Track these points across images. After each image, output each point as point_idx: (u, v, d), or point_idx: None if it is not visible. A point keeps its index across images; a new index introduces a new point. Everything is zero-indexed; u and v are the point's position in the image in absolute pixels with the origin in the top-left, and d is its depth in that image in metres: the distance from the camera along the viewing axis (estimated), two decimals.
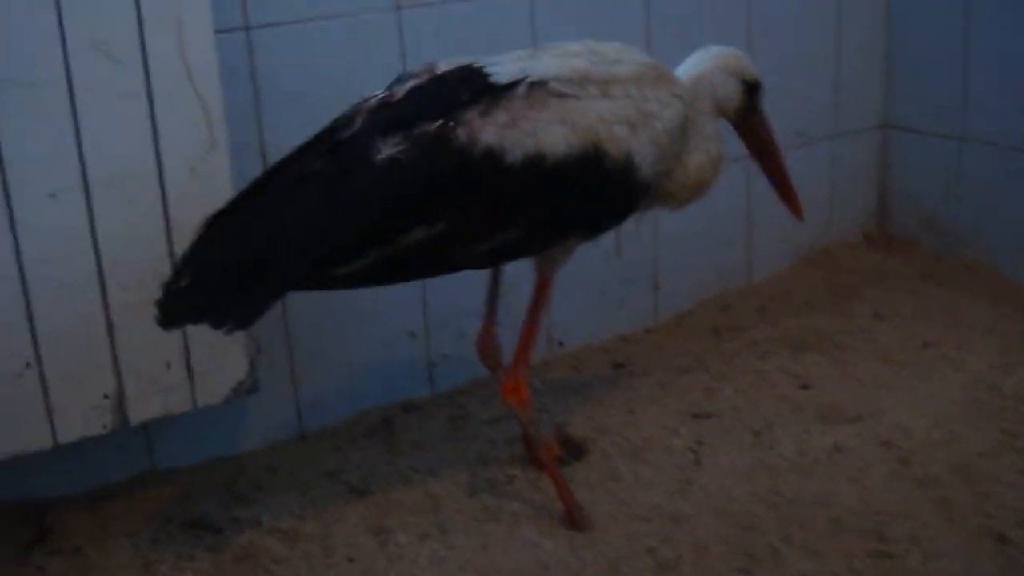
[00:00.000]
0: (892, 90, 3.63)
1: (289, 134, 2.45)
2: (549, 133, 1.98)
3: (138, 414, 2.35)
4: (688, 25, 3.10)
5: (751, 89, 2.29)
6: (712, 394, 2.82)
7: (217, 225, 2.02)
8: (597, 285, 3.15)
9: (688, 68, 2.28)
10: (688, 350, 3.11)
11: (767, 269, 3.53)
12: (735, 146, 2.39)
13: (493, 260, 2.21)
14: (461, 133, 1.95)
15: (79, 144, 2.18)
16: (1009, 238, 3.34)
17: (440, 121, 1.96)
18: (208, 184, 2.32)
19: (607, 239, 2.72)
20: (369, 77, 2.56)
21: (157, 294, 2.19)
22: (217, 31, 2.30)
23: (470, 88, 2.01)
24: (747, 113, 2.32)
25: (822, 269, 3.55)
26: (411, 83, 2.08)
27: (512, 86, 2.01)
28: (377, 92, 2.11)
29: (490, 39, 2.74)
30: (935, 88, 3.48)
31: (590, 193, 2.06)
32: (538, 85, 2.01)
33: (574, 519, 2.29)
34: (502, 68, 2.05)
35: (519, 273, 2.44)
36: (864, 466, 2.44)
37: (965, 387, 2.75)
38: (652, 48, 2.97)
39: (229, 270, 1.97)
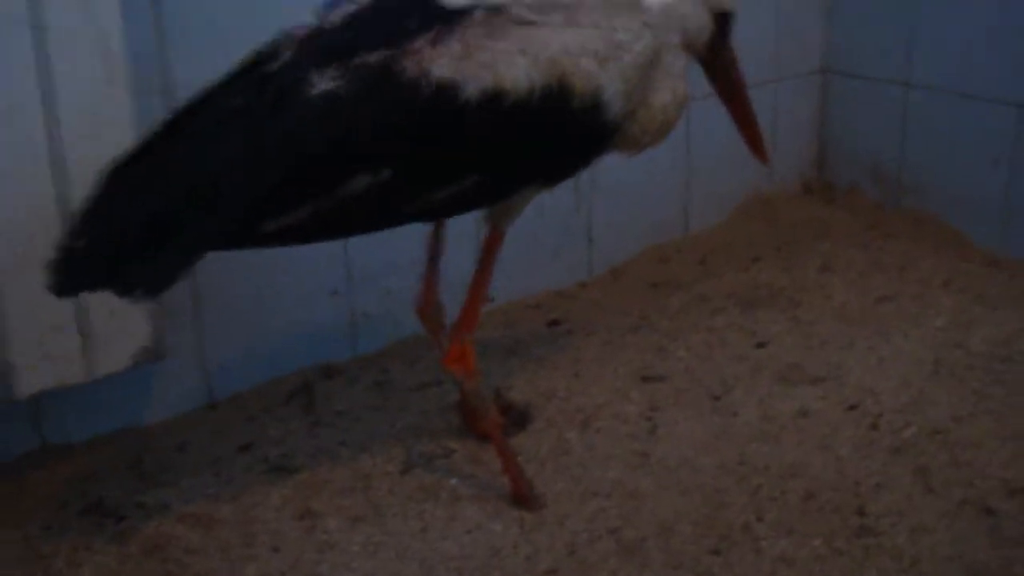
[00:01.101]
0: (833, 33, 3.49)
1: (196, 70, 2.23)
2: (509, 66, 1.75)
3: (26, 386, 2.13)
4: None
5: (721, 20, 2.09)
6: (663, 354, 2.63)
7: (122, 174, 1.77)
8: (527, 236, 2.94)
9: None
10: (629, 306, 2.93)
11: (704, 220, 3.39)
12: None
13: (445, 212, 1.99)
14: (409, 65, 1.72)
15: None
16: (957, 188, 3.22)
17: (384, 50, 1.73)
18: (106, 127, 2.09)
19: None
20: (284, 7, 2.34)
21: (46, 249, 1.94)
22: None
23: (419, 14, 1.78)
24: (716, 48, 2.11)
25: (762, 220, 3.41)
26: (348, 8, 1.84)
27: (467, 11, 1.77)
28: (308, 20, 1.87)
29: None
30: (879, 31, 3.35)
31: (554, 135, 1.85)
32: (496, 10, 1.78)
33: (524, 497, 2.10)
34: None
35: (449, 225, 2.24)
36: (833, 432, 2.28)
37: (929, 345, 2.61)
38: None
39: (136, 227, 1.71)
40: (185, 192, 1.72)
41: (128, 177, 1.77)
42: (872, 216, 3.38)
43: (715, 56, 2.12)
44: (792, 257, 3.15)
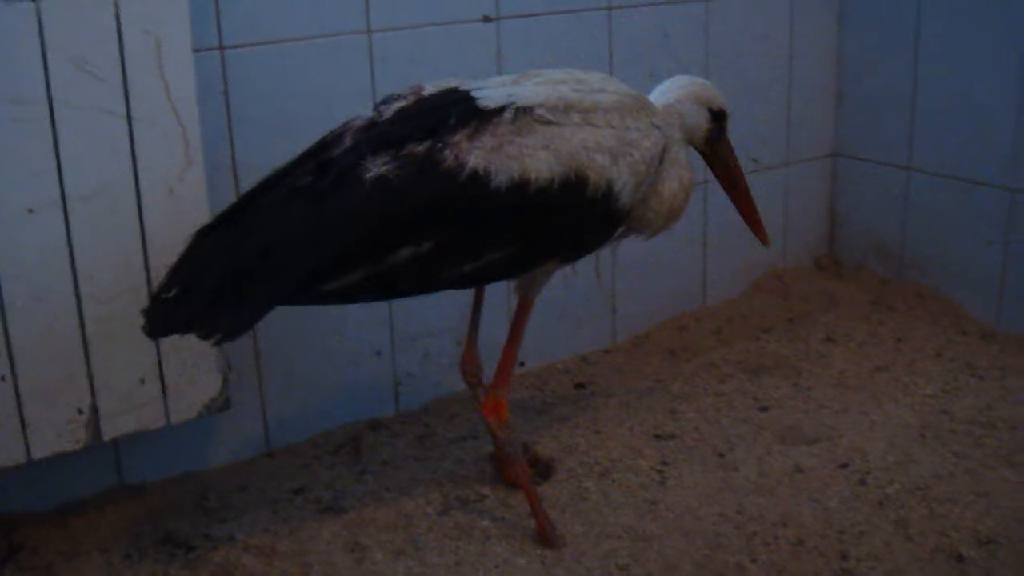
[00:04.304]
0: (842, 121, 3.73)
1: (260, 154, 2.51)
2: (534, 159, 2.03)
3: (111, 430, 2.36)
4: (650, 55, 3.17)
5: (717, 117, 2.36)
6: (674, 415, 2.88)
7: (207, 238, 2.05)
8: (556, 307, 3.20)
9: (658, 97, 2.33)
10: (647, 371, 3.18)
11: (721, 293, 3.61)
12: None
13: (477, 280, 2.25)
14: (448, 155, 2.00)
15: (58, 160, 2.20)
16: (954, 265, 3.45)
17: (428, 142, 2.01)
18: (184, 202, 2.35)
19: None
20: (341, 99, 2.64)
21: (133, 310, 2.23)
22: (192, 50, 2.33)
23: (458, 111, 2.05)
24: (714, 141, 2.38)
25: (775, 293, 3.63)
26: (398, 104, 2.14)
27: (499, 111, 2.06)
28: (365, 112, 2.15)
29: (458, 62, 2.81)
30: (884, 120, 3.58)
31: (571, 218, 2.11)
32: (524, 111, 2.06)
33: (546, 537, 2.33)
34: (489, 93, 2.10)
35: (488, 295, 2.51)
36: (823, 487, 2.51)
37: (917, 411, 2.84)
38: (614, 76, 3.04)
39: (218, 282, 1.99)
40: (258, 256, 1.99)
41: (211, 241, 2.05)
42: (877, 290, 3.60)
43: (713, 149, 2.39)
44: (800, 328, 3.39)
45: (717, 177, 2.47)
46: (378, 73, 2.73)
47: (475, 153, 2.01)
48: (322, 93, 2.65)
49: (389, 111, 2.12)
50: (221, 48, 2.52)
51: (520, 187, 2.03)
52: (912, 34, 3.43)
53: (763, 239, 2.52)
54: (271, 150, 2.51)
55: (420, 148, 2.01)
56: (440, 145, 2.01)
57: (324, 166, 2.04)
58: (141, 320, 2.05)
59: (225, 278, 1.99)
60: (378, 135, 2.06)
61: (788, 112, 3.62)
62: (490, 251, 2.09)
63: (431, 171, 2.00)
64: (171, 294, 2.01)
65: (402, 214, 2.00)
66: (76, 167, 2.22)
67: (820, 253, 3.85)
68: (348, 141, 2.07)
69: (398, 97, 2.17)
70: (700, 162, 2.47)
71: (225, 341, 2.02)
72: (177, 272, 2.03)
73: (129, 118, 2.26)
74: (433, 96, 2.15)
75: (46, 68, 2.16)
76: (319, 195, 2.00)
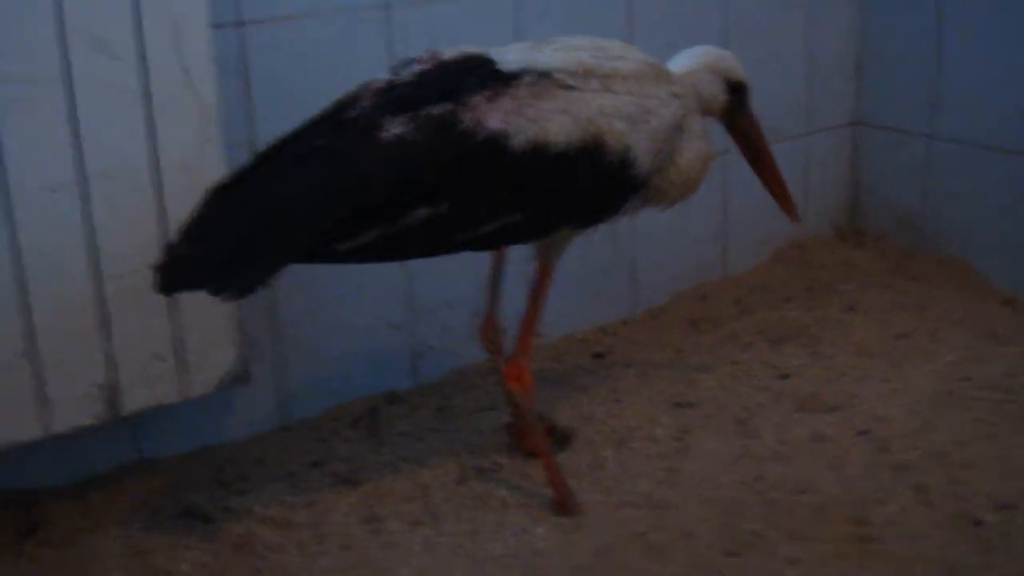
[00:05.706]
0: (863, 89, 3.69)
1: (279, 130, 2.48)
2: (552, 122, 2.03)
3: (129, 404, 2.37)
4: (668, 27, 3.16)
5: (736, 89, 2.35)
6: (694, 384, 2.87)
7: (221, 194, 2.05)
8: (575, 277, 3.19)
9: (675, 66, 2.32)
10: (667, 341, 3.17)
11: (742, 263, 3.59)
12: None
13: (492, 244, 2.25)
14: (467, 117, 1.99)
15: (76, 138, 2.21)
16: (977, 232, 3.42)
17: (447, 104, 2.01)
18: (202, 179, 2.29)
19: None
20: (359, 74, 2.60)
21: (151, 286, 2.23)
22: (210, 26, 2.33)
23: (477, 75, 2.05)
24: (734, 114, 2.37)
25: (796, 263, 3.61)
26: (416, 67, 2.13)
27: (518, 75, 2.05)
28: (382, 75, 2.15)
29: (476, 37, 2.76)
30: (905, 88, 3.54)
31: (588, 183, 2.11)
32: (544, 75, 2.06)
33: (564, 505, 2.33)
34: (508, 57, 2.10)
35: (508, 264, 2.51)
36: (843, 453, 2.50)
37: (938, 377, 2.82)
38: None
39: (231, 239, 1.99)
40: (272, 213, 1.99)
41: (226, 198, 2.05)
42: (899, 259, 3.57)
43: (733, 121, 2.38)
44: (821, 297, 3.37)
45: (741, 151, 2.46)
46: (397, 48, 2.72)
47: (494, 115, 2.00)
48: (340, 68, 2.62)
49: (407, 74, 2.12)
50: (239, 24, 2.52)
51: (538, 150, 2.03)
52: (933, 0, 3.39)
53: (792, 216, 2.51)
54: (290, 126, 2.51)
55: (439, 110, 2.00)
56: (459, 107, 2.01)
57: (341, 126, 2.04)
58: (154, 277, 2.06)
59: (238, 235, 1.99)
60: (396, 97, 2.05)
61: (808, 81, 3.59)
62: (506, 214, 2.09)
63: (449, 132, 1.99)
64: (183, 250, 2.01)
65: (419, 174, 2.00)
66: (94, 144, 2.22)
67: (841, 222, 3.81)
68: (366, 103, 2.07)
69: (416, 61, 2.16)
70: (719, 132, 2.45)
71: (236, 298, 2.03)
72: (190, 228, 2.03)
73: (147, 95, 2.27)
74: (452, 60, 2.14)
75: (64, 46, 2.16)
76: (336, 155, 2.00)
